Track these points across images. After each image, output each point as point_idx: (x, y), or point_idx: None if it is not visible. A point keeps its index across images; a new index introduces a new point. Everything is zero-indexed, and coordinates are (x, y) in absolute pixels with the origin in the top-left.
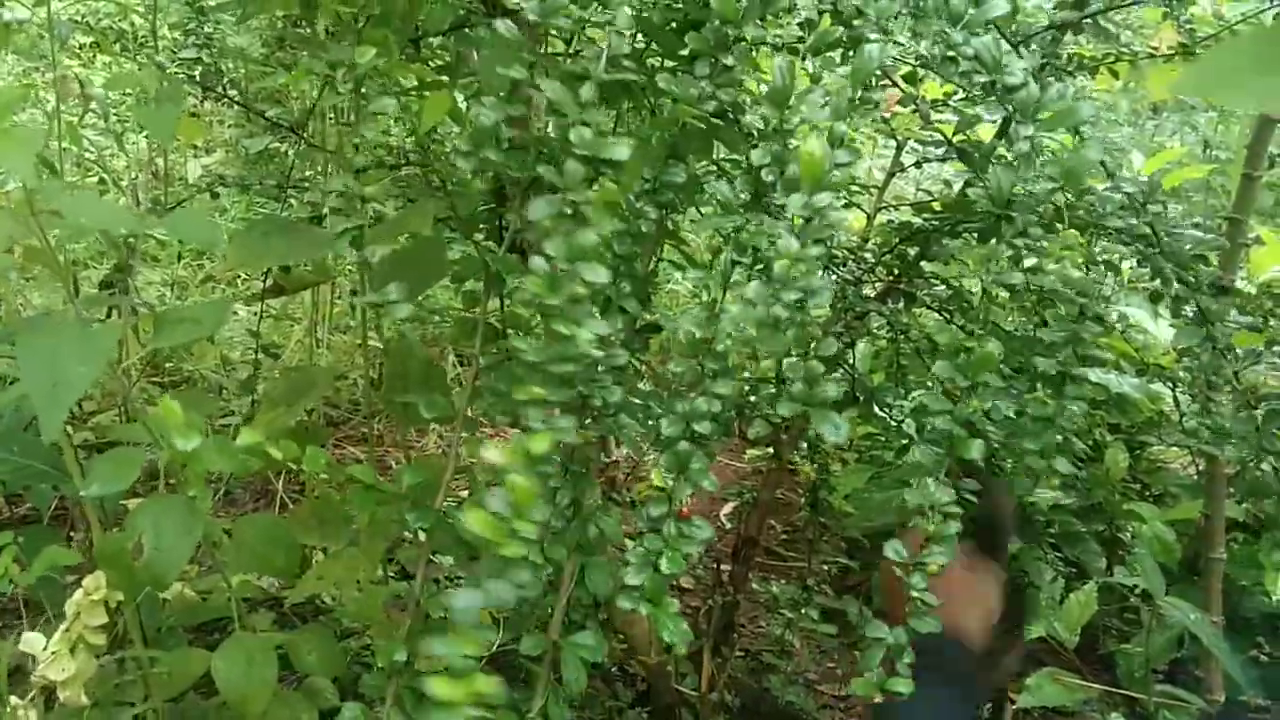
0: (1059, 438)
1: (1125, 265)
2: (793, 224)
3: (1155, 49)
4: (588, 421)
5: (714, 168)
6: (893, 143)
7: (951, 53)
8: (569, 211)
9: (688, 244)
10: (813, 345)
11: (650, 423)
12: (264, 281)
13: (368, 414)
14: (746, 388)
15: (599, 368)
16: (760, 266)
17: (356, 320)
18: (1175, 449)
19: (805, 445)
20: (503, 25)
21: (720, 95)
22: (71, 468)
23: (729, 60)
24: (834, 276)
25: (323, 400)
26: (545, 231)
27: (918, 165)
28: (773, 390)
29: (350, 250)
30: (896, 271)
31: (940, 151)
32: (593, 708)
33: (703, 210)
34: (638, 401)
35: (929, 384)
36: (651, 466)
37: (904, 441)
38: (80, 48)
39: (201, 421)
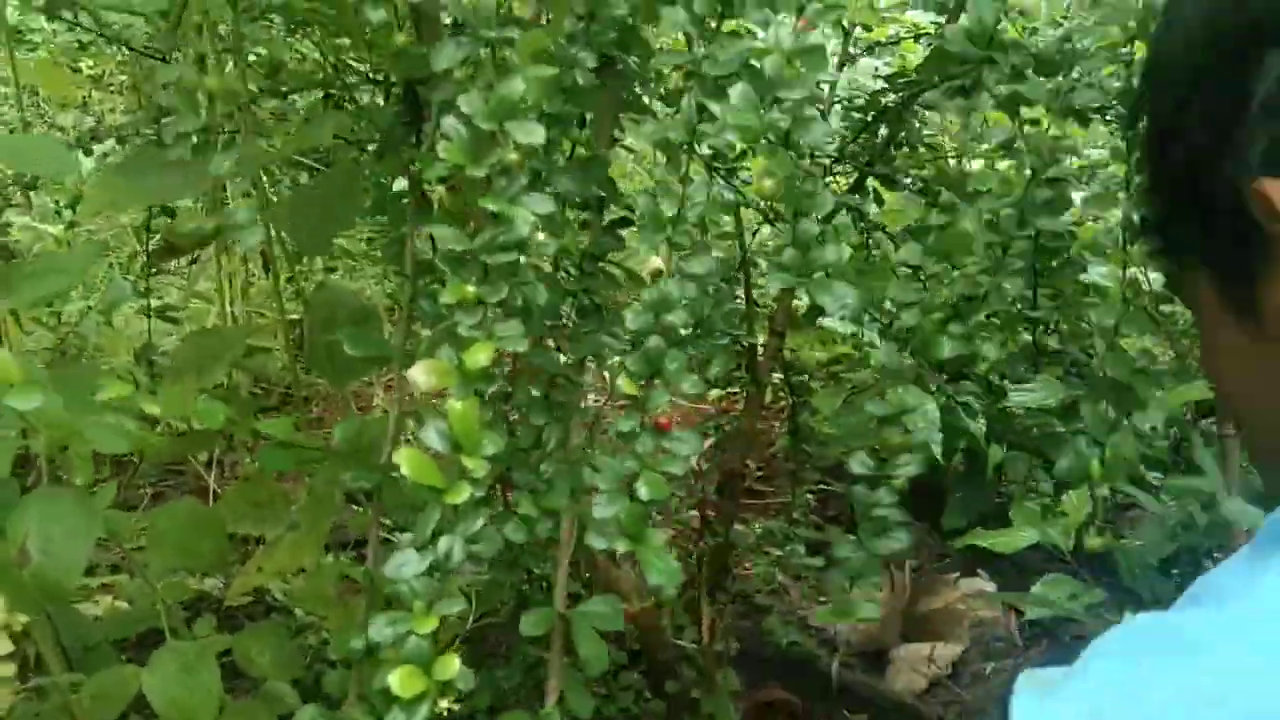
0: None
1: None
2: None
3: None
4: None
5: None
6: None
7: None
8: (485, 55)
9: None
10: (802, 204)
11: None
12: (146, 246)
13: (292, 382)
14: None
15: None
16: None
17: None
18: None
19: (781, 369)
20: None
21: None
22: None
23: None
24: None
25: (245, 378)
26: (459, 85)
27: (870, 50)
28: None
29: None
30: (866, 160)
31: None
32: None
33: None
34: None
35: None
36: (617, 372)
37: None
38: None
39: (86, 395)
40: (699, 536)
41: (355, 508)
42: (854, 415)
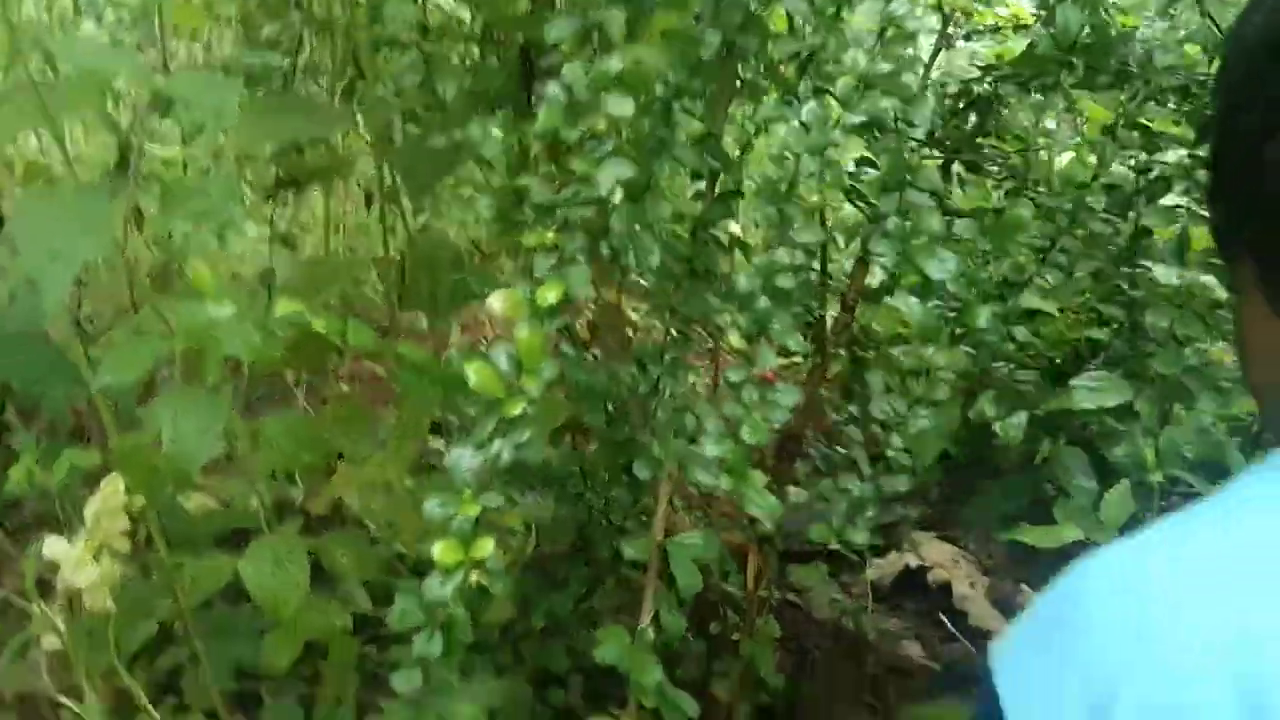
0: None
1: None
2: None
3: None
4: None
5: None
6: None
7: None
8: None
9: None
10: (909, 175)
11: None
12: (277, 176)
13: (393, 308)
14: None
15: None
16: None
17: (375, 230)
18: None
19: (847, 343)
20: None
21: None
22: (81, 365)
23: None
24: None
25: (340, 306)
26: (566, 56)
27: (967, 38)
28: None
29: (365, 134)
30: (954, 146)
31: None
32: (630, 610)
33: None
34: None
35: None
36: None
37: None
38: None
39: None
40: None
41: (431, 437)
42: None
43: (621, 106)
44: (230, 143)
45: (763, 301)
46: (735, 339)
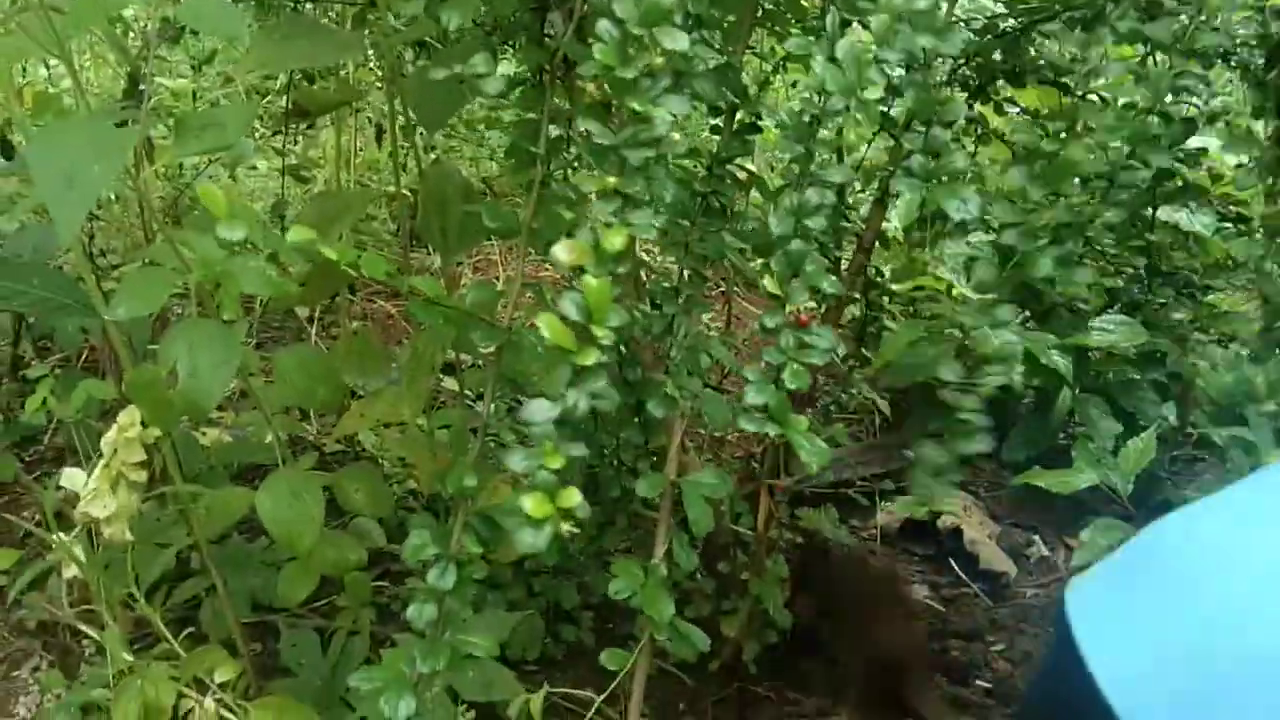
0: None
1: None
2: None
3: None
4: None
5: None
6: None
7: None
8: None
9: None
10: (936, 111)
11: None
12: (287, 106)
13: (405, 244)
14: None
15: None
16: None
17: (385, 165)
18: (1244, 292)
19: (863, 287)
20: None
21: None
22: (95, 297)
23: None
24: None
25: (352, 240)
26: None
27: None
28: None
29: (375, 62)
30: (979, 84)
31: None
32: (640, 549)
33: None
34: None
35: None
36: (761, 273)
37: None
38: None
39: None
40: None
41: (442, 376)
42: (932, 346)
43: (676, 40)
44: (240, 69)
45: (796, 244)
46: (769, 283)
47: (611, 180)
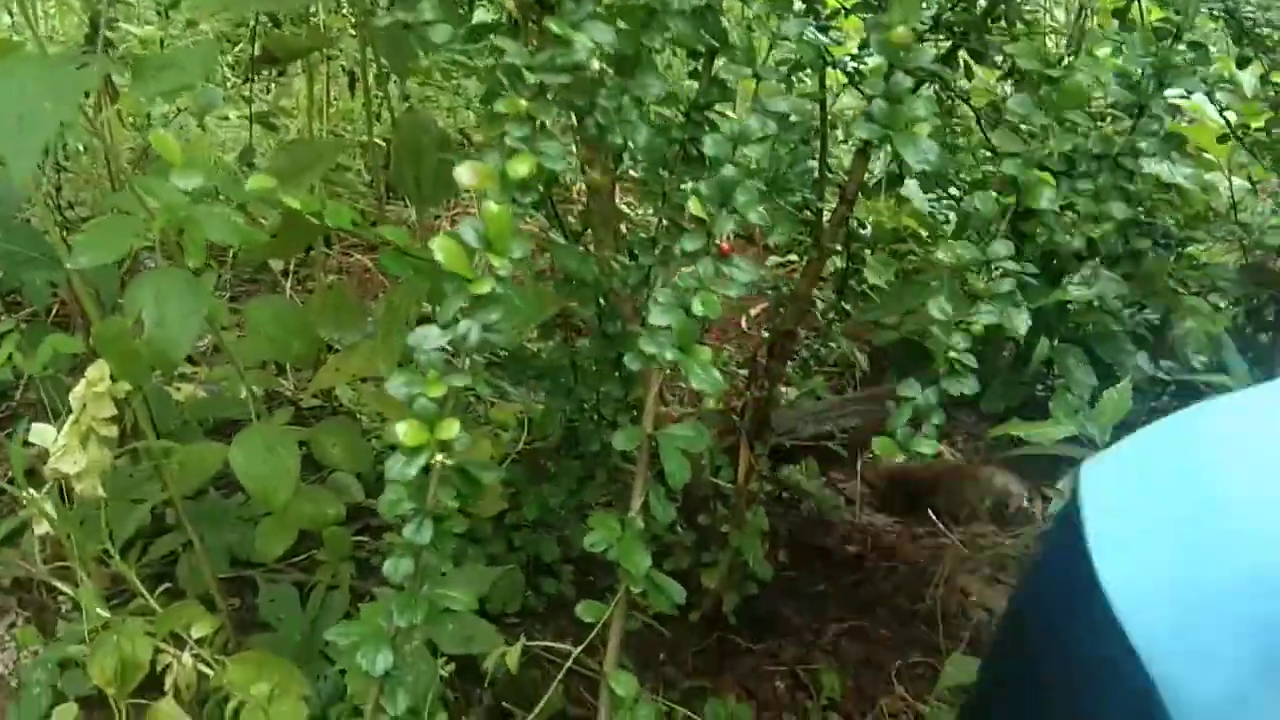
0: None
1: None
2: None
3: None
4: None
5: None
6: None
7: None
8: None
9: None
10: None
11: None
12: (252, 52)
13: (380, 195)
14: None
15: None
16: None
17: (360, 115)
18: (1223, 243)
19: (844, 238)
20: None
21: None
22: (58, 247)
23: None
24: None
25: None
26: None
27: None
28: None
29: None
30: (961, 31)
31: None
32: (621, 502)
33: None
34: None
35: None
36: (689, 194)
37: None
38: None
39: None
40: (746, 388)
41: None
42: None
43: None
44: (204, 11)
45: (728, 169)
46: (694, 205)
47: (523, 103)
